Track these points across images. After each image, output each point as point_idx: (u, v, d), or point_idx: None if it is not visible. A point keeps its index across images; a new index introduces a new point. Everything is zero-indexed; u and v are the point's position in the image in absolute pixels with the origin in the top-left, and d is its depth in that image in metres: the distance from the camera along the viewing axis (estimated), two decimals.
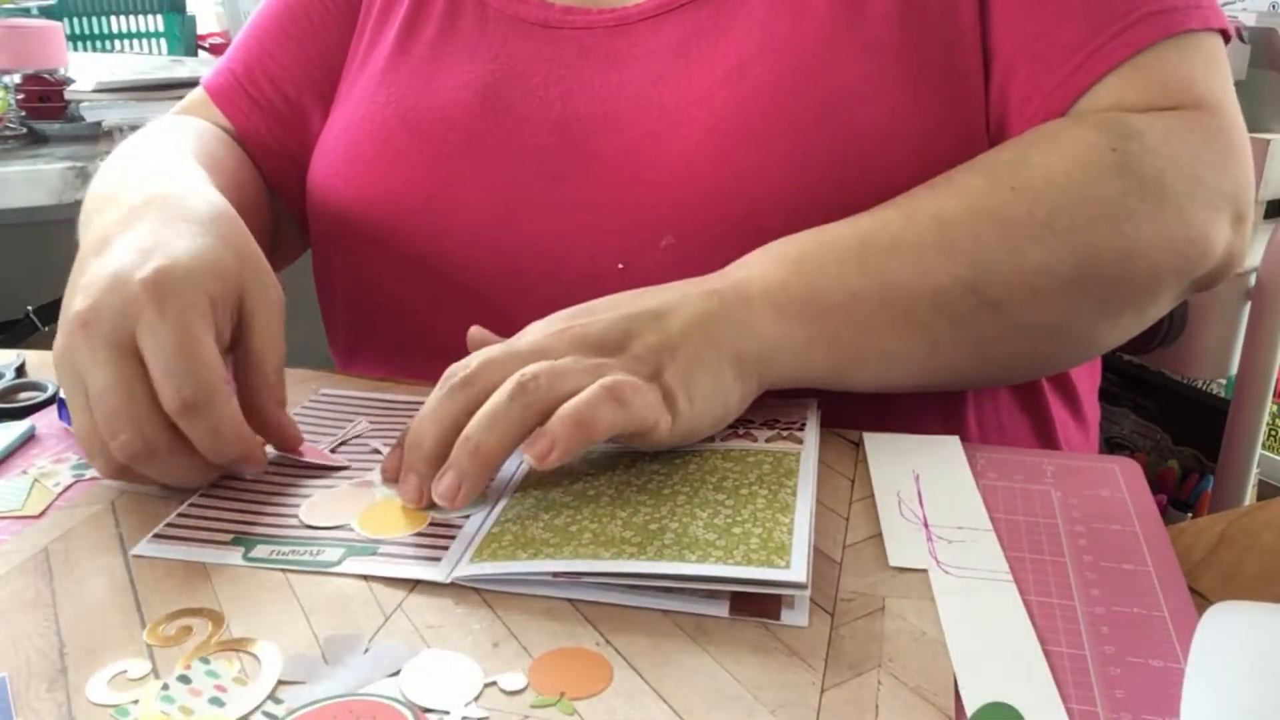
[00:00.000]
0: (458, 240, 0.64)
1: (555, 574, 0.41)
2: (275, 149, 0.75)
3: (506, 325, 0.52)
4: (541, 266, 0.62)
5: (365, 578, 0.42)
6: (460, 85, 0.66)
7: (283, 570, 0.43)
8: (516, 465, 0.50)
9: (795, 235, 0.54)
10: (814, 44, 0.60)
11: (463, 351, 0.51)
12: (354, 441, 0.54)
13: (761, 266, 0.53)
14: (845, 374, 0.54)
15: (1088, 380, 0.73)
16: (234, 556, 0.44)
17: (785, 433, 0.51)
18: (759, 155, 0.58)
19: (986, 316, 0.53)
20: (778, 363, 0.51)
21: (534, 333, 0.50)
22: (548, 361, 0.47)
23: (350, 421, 0.56)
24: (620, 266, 0.60)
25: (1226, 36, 0.61)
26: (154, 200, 0.53)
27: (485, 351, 0.48)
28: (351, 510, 0.47)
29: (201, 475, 0.48)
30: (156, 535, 0.45)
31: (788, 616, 0.40)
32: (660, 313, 0.50)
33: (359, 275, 0.69)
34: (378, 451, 0.53)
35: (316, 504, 0.48)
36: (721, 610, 0.40)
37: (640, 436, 0.47)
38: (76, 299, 0.47)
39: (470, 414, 0.46)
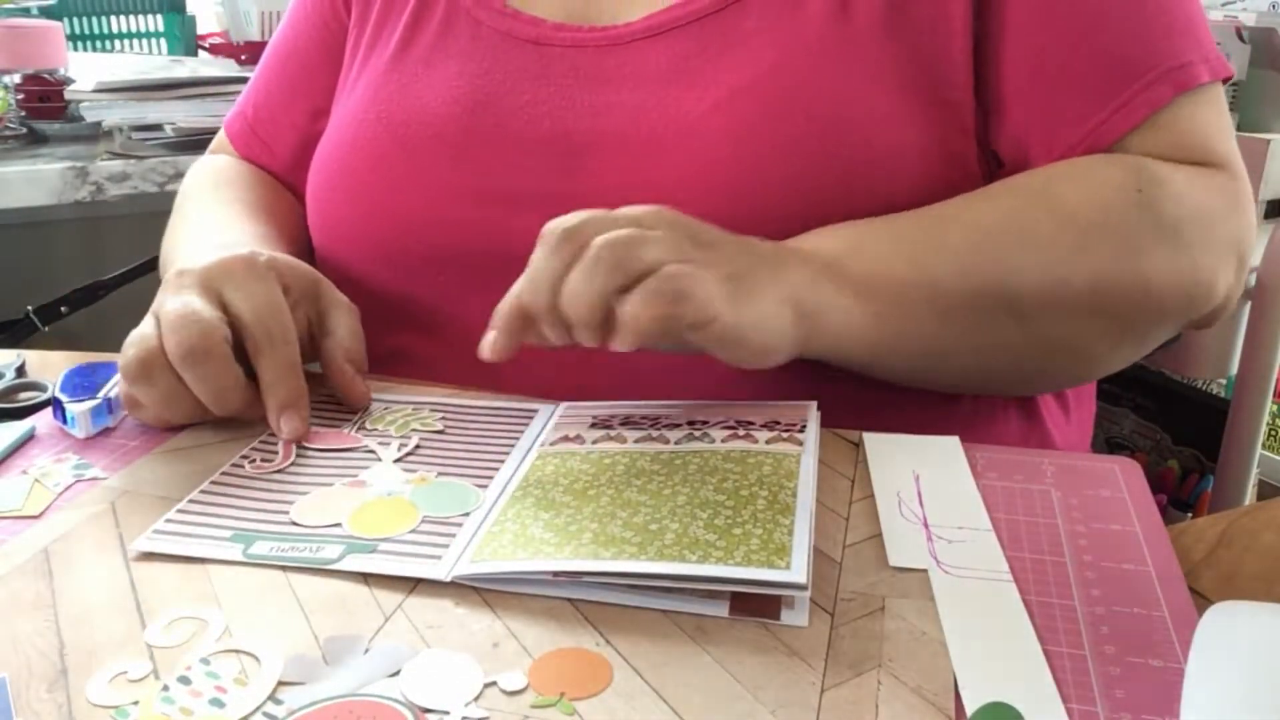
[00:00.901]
0: (448, 252, 0.65)
1: (555, 573, 0.41)
2: (295, 179, 0.78)
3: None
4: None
5: (365, 576, 0.42)
6: (450, 99, 0.67)
7: (283, 567, 0.43)
8: (516, 464, 0.51)
9: (841, 224, 0.56)
10: (806, 72, 0.60)
11: (459, 359, 0.52)
12: (353, 445, 0.54)
13: (819, 241, 0.55)
14: (880, 357, 0.56)
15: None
16: (234, 552, 0.44)
17: (785, 434, 0.51)
18: (751, 182, 0.59)
19: (1012, 325, 0.56)
20: (829, 325, 0.53)
21: (636, 207, 0.52)
22: (633, 243, 0.48)
23: (348, 420, 0.56)
24: None
25: (1227, 80, 0.63)
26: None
27: (586, 212, 0.50)
28: (343, 509, 0.47)
29: (224, 402, 0.53)
30: (156, 530, 0.45)
31: (788, 616, 0.40)
32: (746, 242, 0.52)
33: (356, 284, 0.69)
34: (372, 451, 0.53)
35: (307, 503, 0.48)
36: (721, 610, 0.40)
37: (695, 328, 0.48)
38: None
39: (569, 268, 0.48)
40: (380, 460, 0.52)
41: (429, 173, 0.65)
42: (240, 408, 0.54)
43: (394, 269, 0.66)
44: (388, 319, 0.67)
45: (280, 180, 0.80)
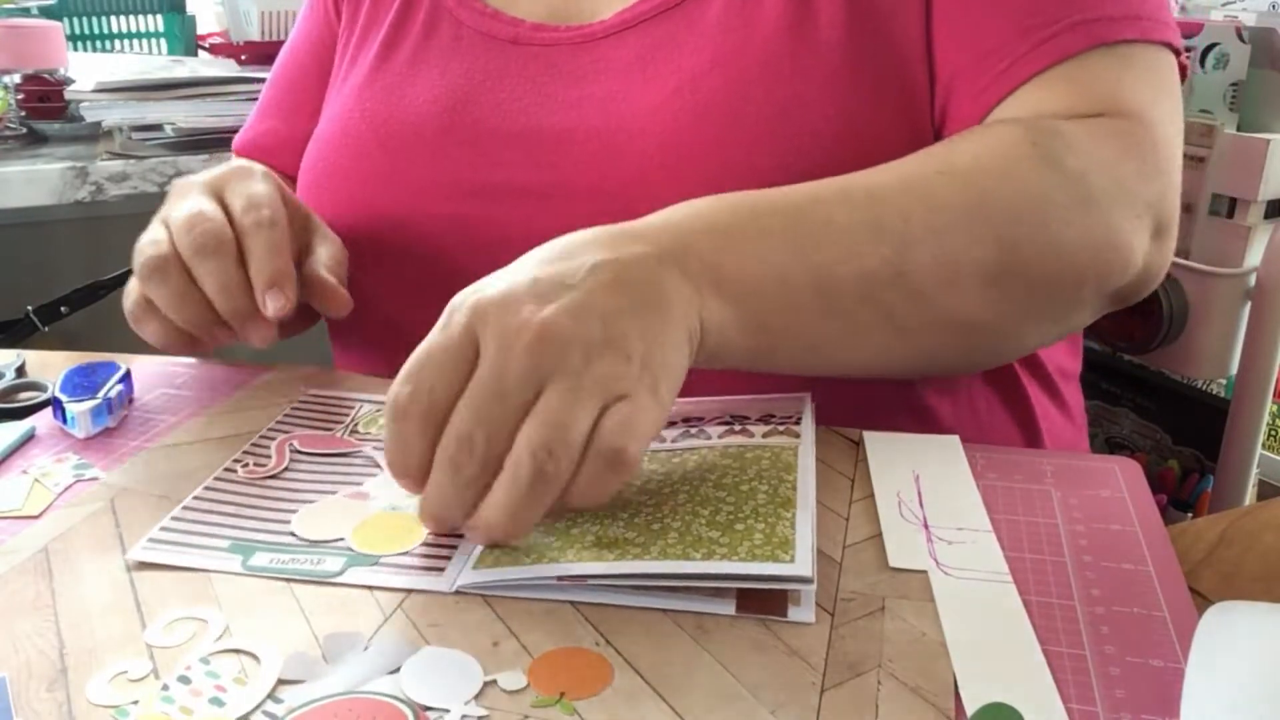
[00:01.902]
0: (429, 248, 0.66)
1: (560, 578, 0.41)
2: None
3: None
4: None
5: (368, 588, 0.42)
6: (431, 99, 0.69)
7: (283, 580, 0.43)
8: None
9: (724, 197, 0.51)
10: (764, 56, 0.60)
11: None
12: (349, 450, 0.54)
13: (692, 232, 0.49)
14: (766, 358, 0.51)
15: (1069, 361, 0.73)
16: (233, 564, 0.43)
17: (781, 427, 0.51)
18: (711, 167, 0.59)
19: (909, 306, 0.52)
20: (707, 340, 0.47)
21: (502, 344, 0.42)
22: (552, 416, 0.40)
23: (339, 423, 0.56)
24: None
25: (1176, 51, 0.60)
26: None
27: (470, 401, 0.42)
28: (346, 524, 0.46)
29: (231, 297, 0.56)
30: (151, 540, 0.45)
31: (794, 613, 0.40)
32: (615, 285, 0.44)
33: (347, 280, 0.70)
34: (371, 459, 0.52)
35: (309, 516, 0.47)
36: (728, 608, 0.40)
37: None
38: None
39: (478, 488, 0.42)
40: (382, 469, 0.51)
41: (409, 170, 0.67)
42: (245, 305, 0.56)
43: (379, 266, 0.67)
44: (373, 312, 0.67)
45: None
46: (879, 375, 0.58)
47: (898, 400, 0.61)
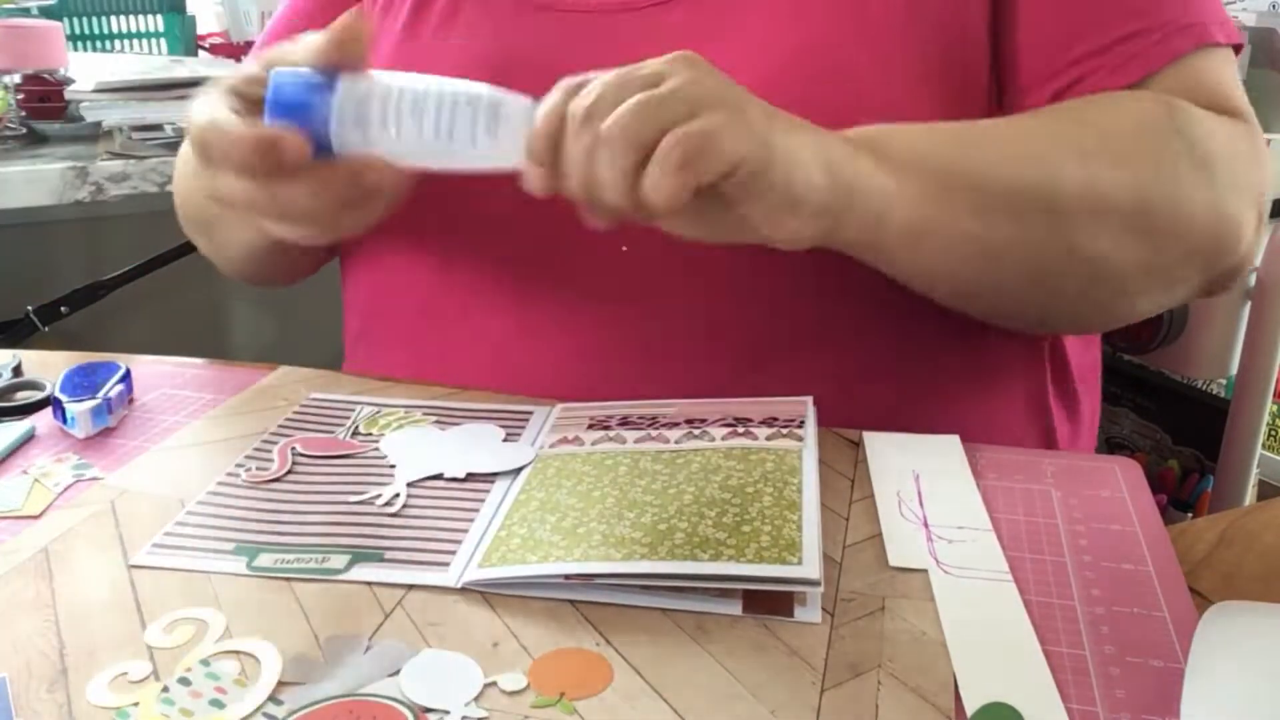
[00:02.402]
0: (463, 222, 0.64)
1: (568, 576, 0.41)
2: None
3: (514, 306, 0.52)
4: (546, 247, 0.62)
5: (371, 584, 0.42)
6: (463, 64, 0.66)
7: (288, 579, 0.43)
8: (518, 467, 0.51)
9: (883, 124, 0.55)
10: (820, 33, 0.60)
11: (476, 342, 0.51)
12: (351, 452, 0.54)
13: (863, 127, 0.53)
14: (913, 243, 0.53)
15: (1089, 371, 0.73)
16: (238, 565, 0.43)
17: (785, 430, 0.51)
18: None
19: (1049, 227, 0.54)
20: (865, 202, 0.50)
21: (655, 61, 0.49)
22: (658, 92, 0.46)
23: (341, 425, 0.56)
24: (624, 249, 0.60)
25: (1238, 50, 0.63)
26: None
27: (601, 78, 0.49)
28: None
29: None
30: (156, 545, 0.45)
31: (800, 614, 0.40)
32: (771, 108, 0.50)
33: (374, 262, 0.69)
34: (374, 460, 0.52)
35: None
36: (734, 609, 0.40)
37: (727, 178, 0.46)
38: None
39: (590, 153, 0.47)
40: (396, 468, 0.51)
41: None
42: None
43: (410, 242, 0.66)
44: (403, 296, 0.67)
45: None
46: (992, 304, 0.59)
47: (914, 411, 0.61)
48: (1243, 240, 0.58)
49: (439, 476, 0.50)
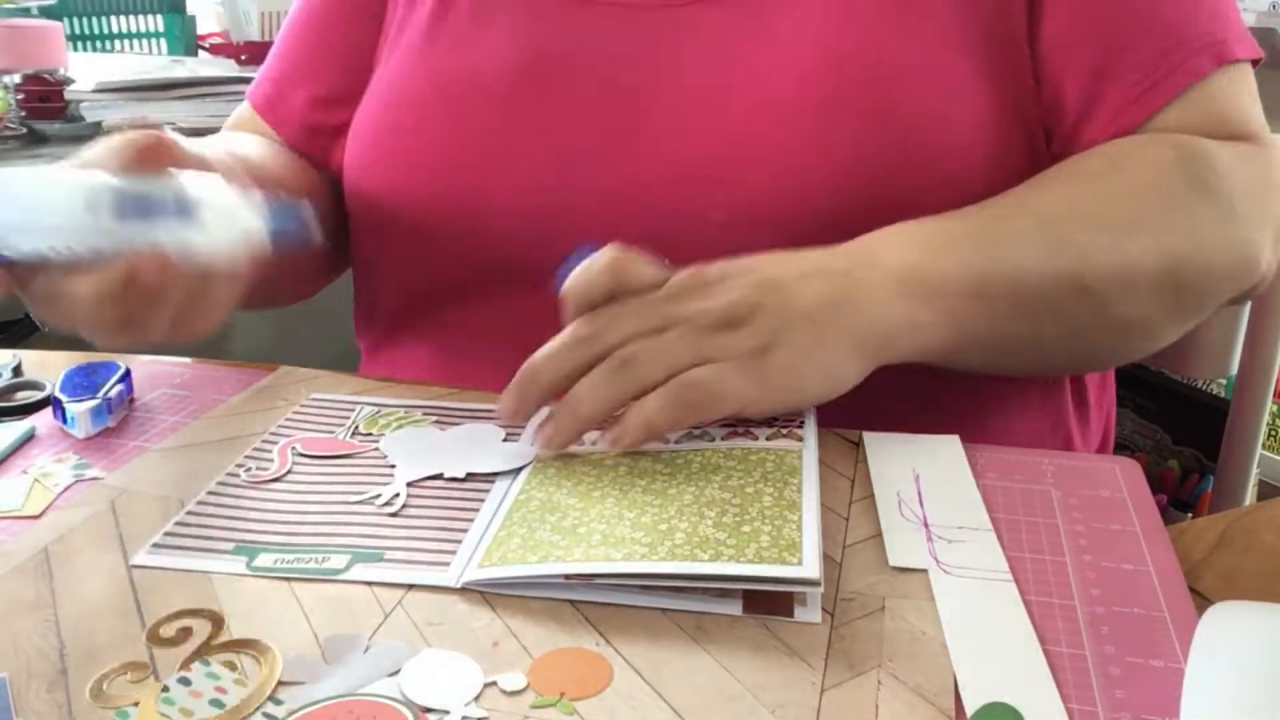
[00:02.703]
0: (497, 215, 0.64)
1: (568, 576, 0.41)
2: (330, 152, 0.74)
3: (548, 305, 0.52)
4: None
5: (371, 584, 0.42)
6: (498, 57, 0.65)
7: (288, 579, 0.43)
8: (518, 467, 0.50)
9: (910, 222, 0.56)
10: (870, 28, 0.60)
11: (506, 340, 0.52)
12: (351, 451, 0.54)
13: (889, 247, 0.54)
14: (960, 356, 0.56)
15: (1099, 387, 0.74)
16: (238, 565, 0.43)
17: (785, 430, 0.51)
18: (816, 138, 0.59)
19: (1085, 309, 0.57)
20: (899, 342, 0.53)
21: (670, 292, 0.52)
22: (655, 336, 0.50)
23: (341, 425, 0.56)
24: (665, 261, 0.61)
25: (1256, 63, 0.65)
26: None
27: (618, 311, 0.51)
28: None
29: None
30: (155, 545, 0.45)
31: (800, 614, 0.40)
32: (789, 286, 0.51)
33: (400, 257, 0.68)
34: (375, 460, 0.52)
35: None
36: (735, 609, 0.40)
37: (732, 414, 0.50)
38: None
39: (586, 369, 0.50)
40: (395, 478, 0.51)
41: (477, 132, 0.64)
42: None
43: (441, 234, 0.65)
44: (431, 290, 0.66)
45: (307, 154, 0.76)
46: (1043, 373, 0.64)
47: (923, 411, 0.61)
48: (1262, 264, 0.61)
49: (439, 476, 0.50)
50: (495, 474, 0.50)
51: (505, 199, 0.63)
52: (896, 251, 0.54)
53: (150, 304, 0.48)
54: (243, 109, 0.80)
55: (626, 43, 0.64)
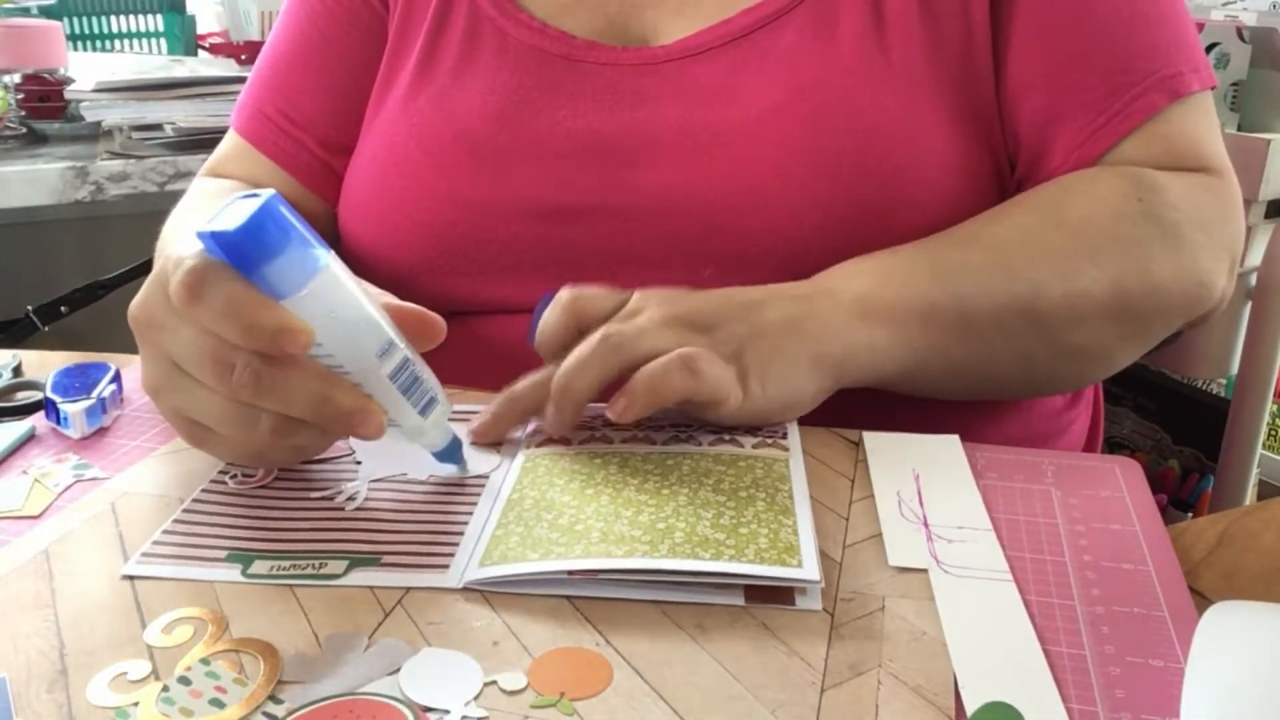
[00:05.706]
0: (487, 275, 0.65)
1: (571, 572, 0.41)
2: (328, 180, 0.74)
3: (534, 356, 0.53)
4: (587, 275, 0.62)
5: (372, 588, 0.42)
6: (480, 112, 0.66)
7: (286, 585, 0.42)
8: (509, 464, 0.50)
9: (870, 254, 0.58)
10: (845, 86, 0.62)
11: (490, 372, 0.54)
12: (334, 454, 0.53)
13: (846, 277, 0.57)
14: (912, 377, 0.57)
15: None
16: (232, 573, 0.43)
17: (769, 440, 0.52)
18: (797, 197, 0.60)
19: (1035, 335, 0.58)
20: (856, 363, 0.55)
21: (635, 304, 0.53)
22: (633, 321, 0.51)
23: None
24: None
25: (1213, 88, 0.66)
26: None
27: (589, 338, 0.52)
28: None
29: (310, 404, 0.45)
30: (144, 554, 0.44)
31: (802, 601, 0.40)
32: (752, 306, 0.54)
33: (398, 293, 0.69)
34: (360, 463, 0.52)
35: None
36: (737, 599, 0.40)
37: (710, 408, 0.51)
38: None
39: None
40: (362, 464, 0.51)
41: (465, 187, 0.65)
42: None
43: (432, 290, 0.65)
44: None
45: (303, 181, 0.74)
46: (1003, 397, 0.65)
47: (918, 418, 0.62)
48: (1216, 292, 0.62)
49: (403, 476, 0.50)
50: (466, 478, 0.50)
51: (491, 255, 0.65)
52: (854, 280, 0.56)
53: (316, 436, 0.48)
54: (230, 142, 0.78)
55: (603, 101, 0.65)
